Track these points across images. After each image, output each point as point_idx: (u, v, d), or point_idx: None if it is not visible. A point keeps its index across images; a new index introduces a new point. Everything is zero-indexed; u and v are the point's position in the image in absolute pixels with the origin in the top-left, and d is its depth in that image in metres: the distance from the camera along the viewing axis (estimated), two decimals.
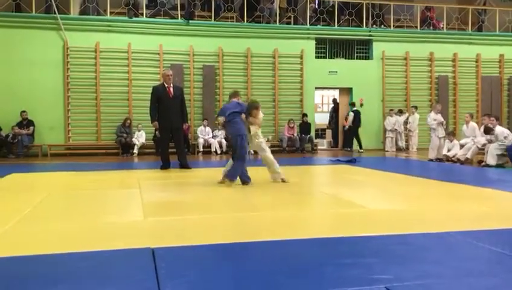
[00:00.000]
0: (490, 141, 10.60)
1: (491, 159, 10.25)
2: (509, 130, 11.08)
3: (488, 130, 10.64)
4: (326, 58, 16.67)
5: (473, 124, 11.71)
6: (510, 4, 18.85)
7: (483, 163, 10.56)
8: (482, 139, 11.08)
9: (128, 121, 14.48)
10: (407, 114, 16.42)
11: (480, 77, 17.57)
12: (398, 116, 16.29)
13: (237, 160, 7.13)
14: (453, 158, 11.55)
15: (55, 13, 14.21)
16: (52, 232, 4.21)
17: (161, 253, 3.39)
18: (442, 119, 12.18)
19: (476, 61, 17.60)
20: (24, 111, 13.85)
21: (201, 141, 14.84)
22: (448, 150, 11.89)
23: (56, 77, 14.39)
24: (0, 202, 5.98)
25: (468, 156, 11.15)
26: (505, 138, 10.33)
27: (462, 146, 11.61)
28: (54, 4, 14.13)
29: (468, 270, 3.10)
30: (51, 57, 14.30)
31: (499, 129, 10.58)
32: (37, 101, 14.12)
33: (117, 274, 3.03)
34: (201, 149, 14.82)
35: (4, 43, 14.01)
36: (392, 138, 16.24)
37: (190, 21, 15.29)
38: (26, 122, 13.86)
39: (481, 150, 11.11)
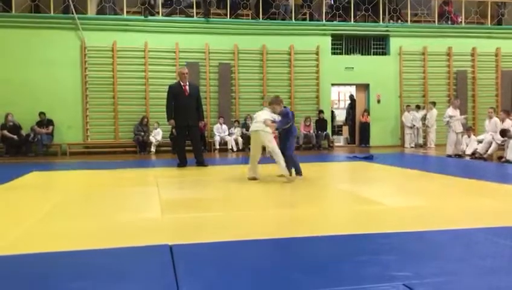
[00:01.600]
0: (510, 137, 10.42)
1: (511, 155, 10.08)
2: None
3: (504, 133, 10.46)
4: (342, 54, 16.55)
5: (495, 119, 11.51)
6: None
7: (504, 159, 10.40)
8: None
9: (146, 120, 14.60)
10: (425, 110, 16.24)
11: (500, 71, 17.27)
12: (415, 112, 16.13)
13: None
14: (473, 155, 11.40)
15: (72, 13, 14.38)
16: (72, 230, 4.27)
17: (179, 250, 3.42)
18: (460, 116, 12.00)
19: (496, 56, 17.29)
20: (42, 112, 14.04)
21: (217, 138, 14.89)
22: (466, 146, 11.76)
23: (74, 76, 14.57)
24: (21, 199, 6.10)
25: (489, 151, 10.98)
26: None
27: (479, 142, 11.44)
28: (71, 4, 14.29)
29: (487, 267, 3.06)
30: (69, 57, 14.48)
31: None
32: (56, 101, 14.32)
33: (135, 271, 3.06)
34: (218, 147, 14.87)
35: (23, 43, 14.22)
36: (411, 134, 16.09)
37: (208, 19, 15.32)
38: (45, 122, 14.07)
39: (501, 146, 10.93)
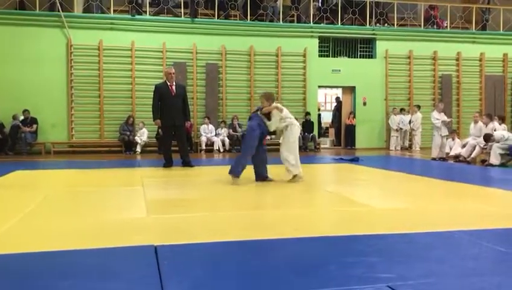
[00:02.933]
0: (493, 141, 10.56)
1: (494, 159, 10.21)
2: (511, 129, 11.03)
3: (487, 138, 10.59)
4: (329, 56, 16.63)
5: (480, 123, 11.64)
6: None
7: (487, 162, 10.53)
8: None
9: (132, 119, 14.51)
10: (409, 114, 16.39)
11: (484, 76, 17.51)
12: (402, 116, 16.27)
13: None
14: (457, 158, 11.53)
15: (58, 11, 14.23)
16: (56, 230, 4.22)
17: (164, 250, 3.40)
18: (446, 119, 12.13)
19: (480, 60, 17.54)
20: (26, 110, 13.85)
21: (204, 139, 14.85)
22: (450, 149, 11.90)
23: (60, 74, 14.41)
24: (3, 199, 6.01)
25: (473, 155, 11.11)
26: (506, 139, 10.32)
27: (464, 145, 11.58)
28: (57, 2, 14.14)
29: (471, 269, 3.09)
30: (54, 55, 14.31)
31: (498, 134, 10.56)
32: (41, 99, 14.14)
33: (120, 271, 3.04)
34: (204, 147, 14.82)
35: (8, 40, 14.02)
36: (397, 137, 16.22)
37: (194, 19, 15.29)
38: (29, 120, 13.88)
39: (484, 150, 11.06)
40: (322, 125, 18.61)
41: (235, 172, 7.13)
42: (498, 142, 10.29)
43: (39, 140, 14.09)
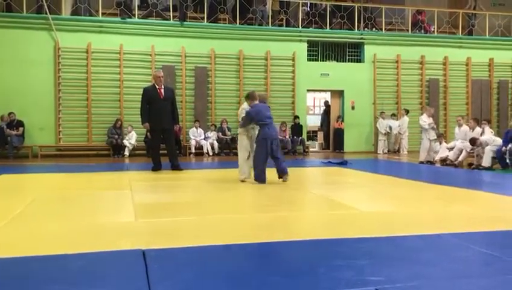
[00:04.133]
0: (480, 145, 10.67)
1: (486, 161, 10.30)
2: (497, 133, 11.16)
3: (473, 142, 10.71)
4: (318, 60, 16.70)
5: (465, 127, 11.77)
6: (500, 8, 19.02)
7: (474, 166, 10.64)
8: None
9: (119, 122, 14.42)
10: (397, 118, 16.52)
11: (470, 80, 17.71)
12: (391, 120, 16.39)
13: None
14: (444, 161, 11.63)
15: (46, 13, 14.10)
16: (43, 234, 4.17)
17: (152, 255, 3.38)
18: (433, 124, 12.23)
19: (466, 65, 17.73)
20: (11, 112, 13.69)
21: (193, 142, 14.81)
22: (435, 152, 12.01)
23: (47, 77, 14.27)
24: None
25: (460, 159, 11.22)
26: (493, 141, 10.46)
27: (450, 149, 11.69)
28: (45, 4, 14.02)
29: (459, 271, 3.12)
30: (42, 58, 14.17)
31: (483, 139, 10.68)
32: (28, 102, 13.98)
33: (107, 276, 3.01)
34: (193, 151, 14.78)
35: None
36: (384, 140, 16.33)
37: (183, 22, 15.27)
38: (15, 123, 13.72)
39: (471, 153, 11.18)
40: (308, 128, 18.62)
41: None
42: (487, 145, 10.41)
43: (26, 143, 13.93)
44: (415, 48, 17.22)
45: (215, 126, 15.17)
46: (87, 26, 14.65)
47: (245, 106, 8.03)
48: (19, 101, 13.86)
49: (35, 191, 6.74)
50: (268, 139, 7.52)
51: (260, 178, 7.53)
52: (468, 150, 11.08)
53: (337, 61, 16.90)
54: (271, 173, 7.72)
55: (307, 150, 16.24)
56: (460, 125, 11.86)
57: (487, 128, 11.54)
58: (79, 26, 14.57)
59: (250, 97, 7.86)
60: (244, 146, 7.92)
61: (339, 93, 17.11)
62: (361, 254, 3.46)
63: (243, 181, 7.72)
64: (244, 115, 7.80)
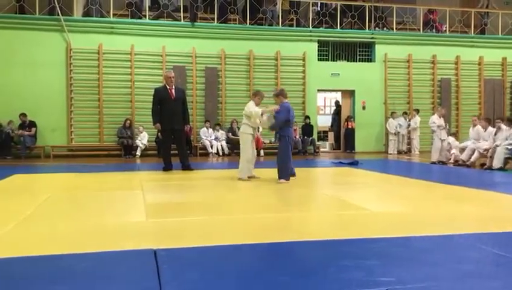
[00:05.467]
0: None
1: (497, 162, 10.21)
2: None
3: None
4: (328, 60, 16.66)
5: (478, 127, 11.65)
6: None
7: (486, 166, 10.54)
8: (483, 143, 11.03)
9: (129, 122, 14.49)
10: (409, 117, 16.41)
11: (482, 80, 17.54)
12: (401, 118, 16.28)
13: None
14: (456, 162, 11.54)
15: (58, 15, 14.25)
16: (55, 233, 4.21)
17: (163, 254, 3.40)
18: (443, 124, 12.11)
19: (479, 64, 17.57)
20: (23, 114, 13.83)
21: (207, 142, 14.83)
22: (448, 150, 11.93)
23: (59, 78, 14.41)
24: (2, 202, 6.00)
25: (472, 159, 11.11)
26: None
27: (462, 149, 11.59)
28: (57, 6, 14.16)
29: (470, 272, 3.09)
30: (54, 59, 14.32)
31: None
32: (40, 103, 14.14)
33: (119, 275, 3.03)
34: (207, 150, 14.81)
35: (7, 44, 14.04)
36: (395, 140, 16.23)
37: (193, 23, 15.31)
38: (28, 124, 13.86)
39: (483, 154, 11.06)
40: (319, 129, 18.58)
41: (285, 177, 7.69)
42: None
43: (38, 144, 14.08)
44: (427, 47, 17.10)
45: (220, 126, 15.17)
46: (99, 27, 14.77)
47: (251, 104, 7.99)
48: (32, 102, 14.02)
49: (47, 191, 6.81)
50: (292, 139, 7.88)
51: (292, 172, 7.78)
52: (480, 150, 10.97)
53: (348, 61, 16.83)
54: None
55: (317, 150, 16.20)
56: (474, 125, 11.76)
57: (502, 126, 11.40)
58: (90, 28, 14.70)
59: (282, 95, 7.95)
60: (249, 146, 7.92)
61: (349, 93, 17.05)
62: (372, 255, 3.45)
63: (240, 180, 7.80)
64: (258, 113, 7.76)
